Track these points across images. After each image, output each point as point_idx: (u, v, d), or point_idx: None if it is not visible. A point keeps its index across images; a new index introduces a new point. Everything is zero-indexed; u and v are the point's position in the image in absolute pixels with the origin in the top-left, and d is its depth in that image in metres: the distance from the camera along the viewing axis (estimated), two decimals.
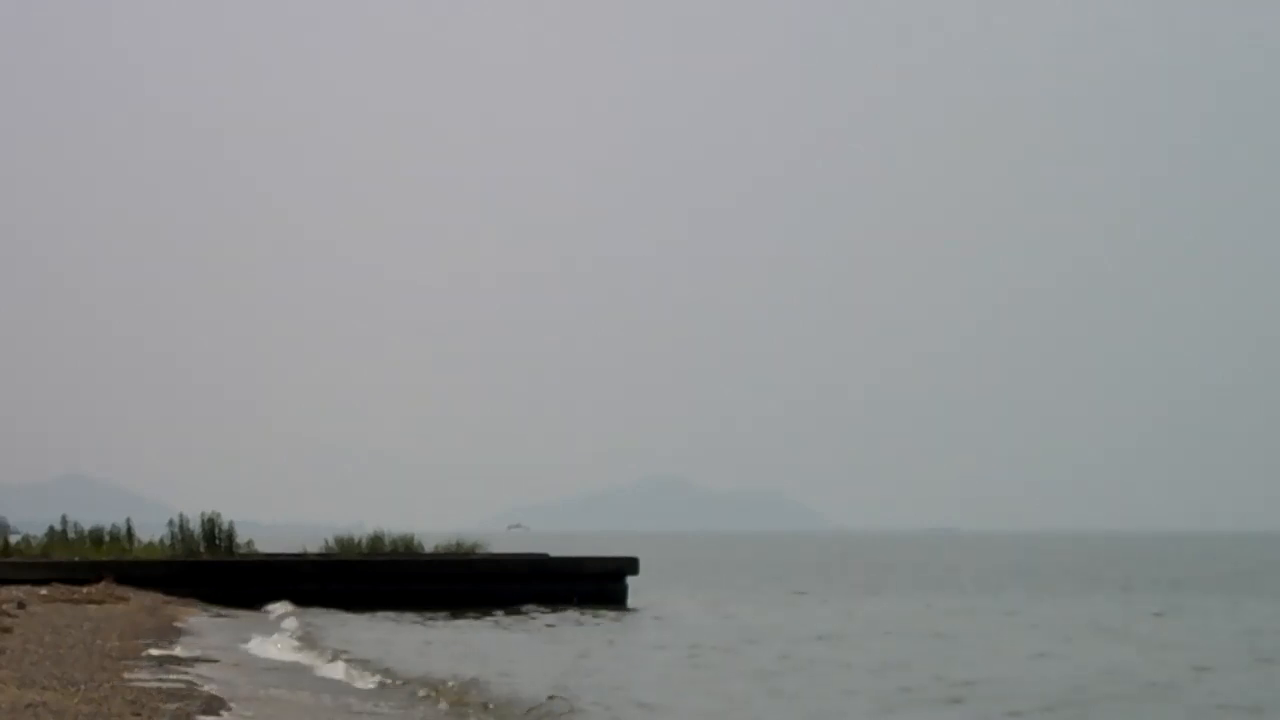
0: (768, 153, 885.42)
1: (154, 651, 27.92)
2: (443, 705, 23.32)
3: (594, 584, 48.61)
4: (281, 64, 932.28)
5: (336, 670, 27.65)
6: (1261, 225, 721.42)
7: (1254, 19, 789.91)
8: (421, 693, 24.41)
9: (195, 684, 22.80)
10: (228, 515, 53.24)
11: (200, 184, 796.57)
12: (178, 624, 36.01)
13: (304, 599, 45.48)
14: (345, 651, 30.79)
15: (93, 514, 68.45)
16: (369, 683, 25.94)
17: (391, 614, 44.05)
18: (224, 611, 42.73)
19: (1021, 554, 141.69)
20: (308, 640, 33.39)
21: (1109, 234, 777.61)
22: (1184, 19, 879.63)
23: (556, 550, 57.54)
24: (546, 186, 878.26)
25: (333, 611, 43.74)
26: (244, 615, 42.12)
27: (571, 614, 44.36)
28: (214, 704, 20.58)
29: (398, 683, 25.82)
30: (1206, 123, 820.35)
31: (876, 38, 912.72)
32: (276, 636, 34.48)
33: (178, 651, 28.45)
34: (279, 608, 43.63)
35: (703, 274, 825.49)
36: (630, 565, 49.74)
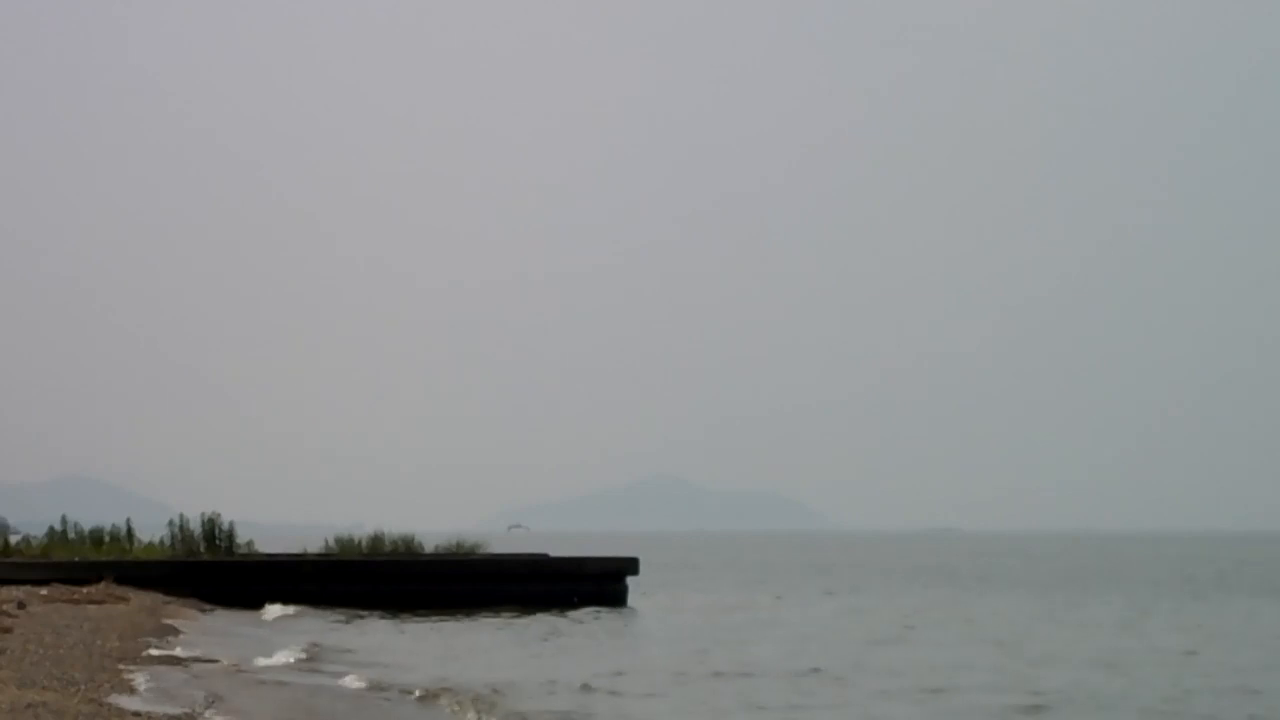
0: (768, 153, 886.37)
1: (154, 652, 27.93)
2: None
3: (594, 584, 48.60)
4: (286, 63, 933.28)
5: (331, 673, 27.66)
6: (1261, 228, 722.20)
7: (1253, 20, 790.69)
8: (412, 696, 24.53)
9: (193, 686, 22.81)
10: (228, 515, 53.29)
11: (202, 183, 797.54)
12: (178, 624, 36.00)
13: (304, 599, 45.48)
14: (341, 654, 30.77)
15: (93, 514, 68.48)
16: (359, 684, 25.98)
17: (391, 615, 44.01)
18: (224, 612, 42.71)
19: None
20: (304, 642, 33.36)
21: (1109, 237, 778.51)
22: (1183, 21, 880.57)
23: (556, 550, 57.53)
24: (546, 186, 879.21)
25: (332, 612, 43.72)
26: (244, 616, 42.10)
27: (570, 614, 44.39)
28: (211, 704, 20.59)
29: (386, 685, 25.89)
30: (1205, 125, 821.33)
31: (877, 39, 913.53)
32: (274, 638, 34.46)
33: (177, 652, 28.45)
34: (276, 609, 43.63)
35: (703, 274, 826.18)
36: (630, 565, 49.74)
